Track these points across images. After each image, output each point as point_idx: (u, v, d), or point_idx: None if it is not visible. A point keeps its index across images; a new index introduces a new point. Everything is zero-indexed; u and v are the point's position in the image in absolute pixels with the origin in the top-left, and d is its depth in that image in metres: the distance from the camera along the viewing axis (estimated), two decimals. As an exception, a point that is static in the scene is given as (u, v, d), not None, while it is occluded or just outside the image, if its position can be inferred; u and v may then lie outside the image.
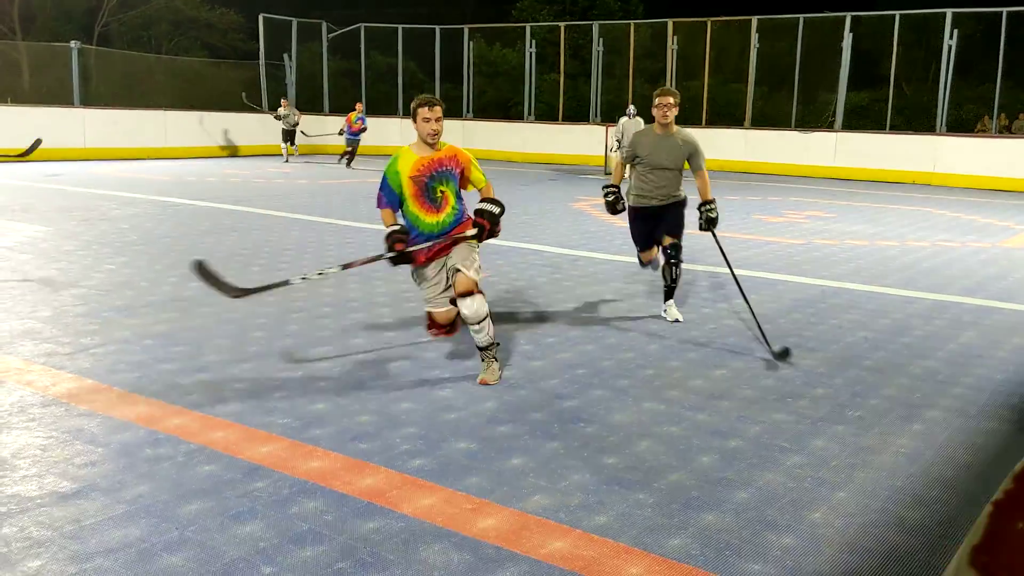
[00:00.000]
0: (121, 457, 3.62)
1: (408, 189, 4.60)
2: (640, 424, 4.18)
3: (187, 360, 4.99)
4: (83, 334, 5.48)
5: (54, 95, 21.73)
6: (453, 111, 26.76)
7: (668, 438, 4.00)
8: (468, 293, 4.62)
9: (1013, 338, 5.98)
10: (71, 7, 35.13)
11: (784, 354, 5.31)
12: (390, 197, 4.66)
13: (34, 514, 3.11)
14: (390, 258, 4.62)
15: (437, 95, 26.23)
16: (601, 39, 24.79)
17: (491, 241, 8.75)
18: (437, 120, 4.54)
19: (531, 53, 25.78)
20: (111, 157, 20.67)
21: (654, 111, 5.95)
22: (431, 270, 4.77)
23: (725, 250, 5.97)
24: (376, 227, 10.33)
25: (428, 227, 4.67)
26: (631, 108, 17.42)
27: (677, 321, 6.20)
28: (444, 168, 4.65)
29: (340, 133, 21.37)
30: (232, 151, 23.87)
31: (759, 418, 4.30)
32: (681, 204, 6.14)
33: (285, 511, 3.17)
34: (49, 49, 23.63)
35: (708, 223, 5.93)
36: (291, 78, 26.23)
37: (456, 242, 4.72)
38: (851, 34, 20.86)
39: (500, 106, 28.27)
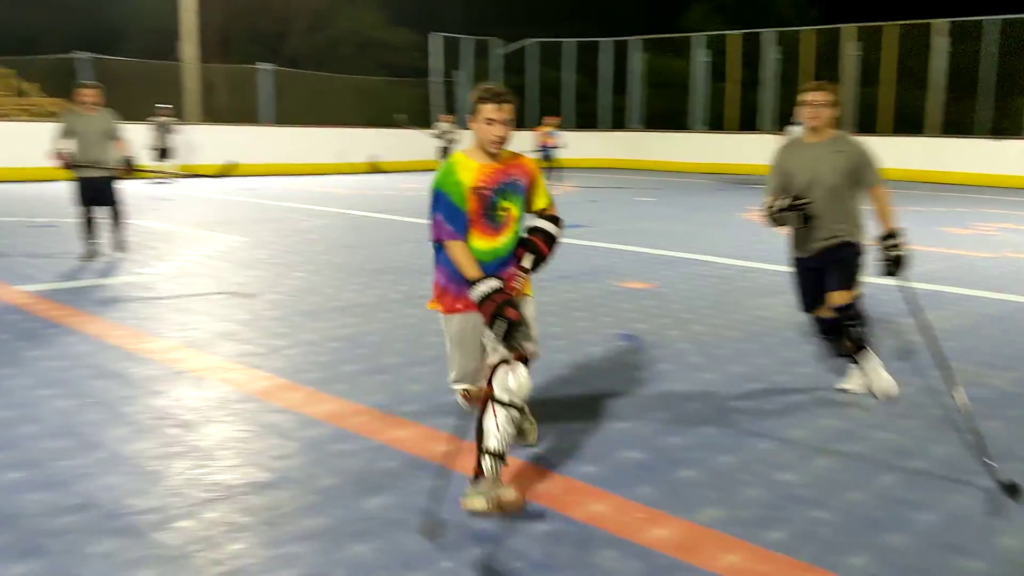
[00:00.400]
0: (311, 451, 3.86)
1: (469, 205, 3.45)
2: (818, 440, 4.06)
3: (369, 362, 5.25)
4: (275, 336, 5.87)
5: (247, 114, 23.30)
6: (618, 122, 26.78)
7: (848, 456, 3.87)
8: (524, 360, 3.45)
9: None
10: (262, 31, 37.62)
11: (1013, 489, 3.49)
12: (456, 221, 3.44)
13: (235, 501, 3.37)
14: (504, 336, 3.29)
15: (605, 106, 26.09)
16: (776, 47, 24.14)
17: (656, 251, 8.61)
18: (505, 123, 3.42)
19: (702, 63, 25.43)
20: (299, 172, 21.96)
21: (802, 113, 4.59)
22: (471, 325, 3.54)
23: (915, 299, 4.52)
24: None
25: (482, 255, 3.48)
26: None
27: (845, 391, 4.77)
28: (511, 179, 3.54)
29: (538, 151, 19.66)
30: (404, 167, 24.78)
31: (945, 439, 4.08)
32: (853, 249, 4.58)
33: (462, 509, 3.28)
34: (242, 71, 25.35)
35: (893, 264, 4.39)
36: (463, 94, 27.00)
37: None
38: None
39: (668, 116, 28.01)
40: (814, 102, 4.52)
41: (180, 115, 20.91)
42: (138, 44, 28.88)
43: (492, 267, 3.48)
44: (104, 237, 8.94)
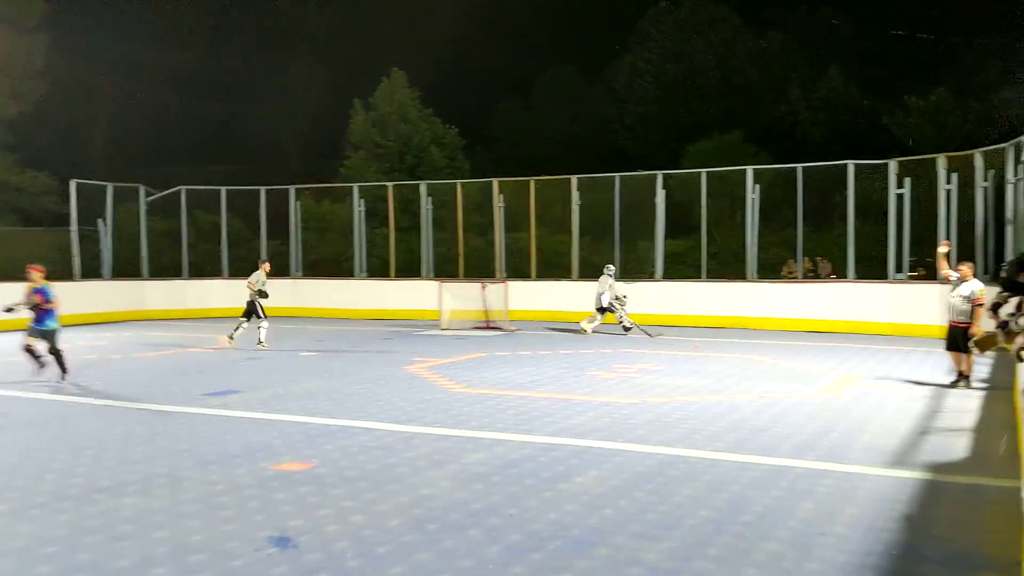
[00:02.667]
0: None
1: None
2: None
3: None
4: None
5: None
6: (281, 269, 26.20)
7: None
8: None
9: (847, 508, 6.01)
10: None
11: None
12: None
13: None
14: None
15: (263, 254, 25.06)
16: (430, 196, 25.21)
17: (317, 420, 8.19)
18: None
19: (360, 211, 25.84)
20: None
21: None
22: None
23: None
24: (193, 411, 9.68)
25: None
26: (610, 267, 19.75)
27: None
28: None
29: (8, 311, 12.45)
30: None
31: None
32: None
33: None
34: None
35: None
36: (106, 243, 25.01)
37: None
38: (663, 190, 22.11)
39: (332, 261, 27.96)
40: None
41: None
42: None
43: None
44: None
